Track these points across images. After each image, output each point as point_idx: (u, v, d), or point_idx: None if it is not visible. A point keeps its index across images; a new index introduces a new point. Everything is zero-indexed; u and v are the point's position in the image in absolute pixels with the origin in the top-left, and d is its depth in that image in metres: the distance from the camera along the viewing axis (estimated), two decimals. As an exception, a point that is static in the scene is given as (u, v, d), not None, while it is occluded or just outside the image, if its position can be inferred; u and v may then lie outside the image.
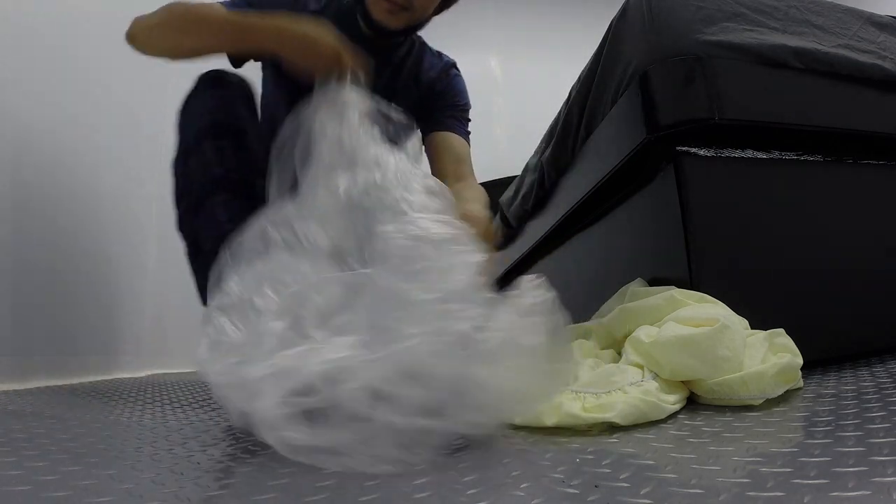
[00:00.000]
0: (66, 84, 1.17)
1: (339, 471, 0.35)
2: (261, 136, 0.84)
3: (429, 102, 1.00)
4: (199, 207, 0.77)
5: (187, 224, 0.79)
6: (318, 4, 0.95)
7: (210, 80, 0.81)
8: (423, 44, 1.03)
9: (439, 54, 1.05)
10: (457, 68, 1.06)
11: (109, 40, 0.97)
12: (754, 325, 0.60)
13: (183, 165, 0.79)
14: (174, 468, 0.37)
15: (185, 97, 0.82)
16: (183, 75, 1.07)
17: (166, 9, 0.78)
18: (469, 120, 1.04)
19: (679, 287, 0.66)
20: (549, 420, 0.46)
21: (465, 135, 1.01)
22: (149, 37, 0.80)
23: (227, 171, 0.76)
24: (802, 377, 0.55)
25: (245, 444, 0.44)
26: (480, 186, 0.93)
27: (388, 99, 0.83)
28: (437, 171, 0.94)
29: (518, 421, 0.49)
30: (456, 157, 0.96)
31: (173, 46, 0.80)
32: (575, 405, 0.47)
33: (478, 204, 0.82)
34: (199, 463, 0.38)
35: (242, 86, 0.84)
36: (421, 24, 0.93)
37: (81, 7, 1.23)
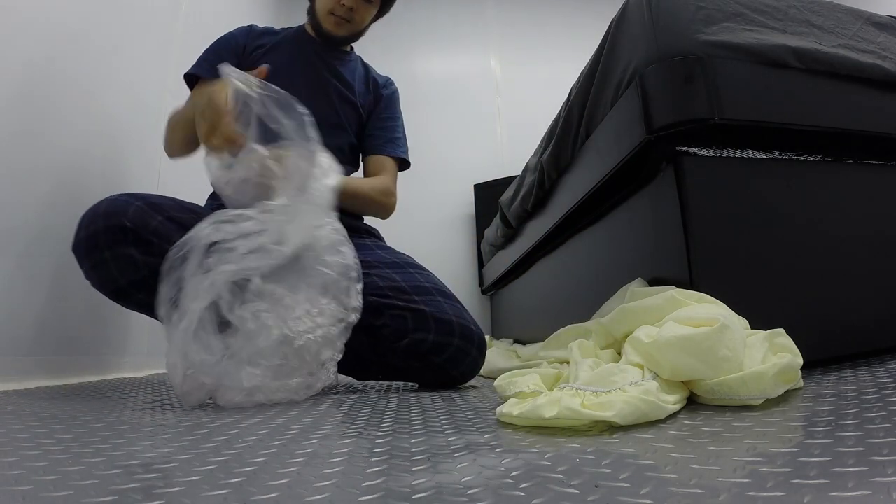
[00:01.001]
0: (77, 81, 1.17)
1: (337, 470, 0.35)
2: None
3: (372, 113, 1.27)
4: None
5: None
6: (273, 38, 1.20)
7: (83, 251, 0.85)
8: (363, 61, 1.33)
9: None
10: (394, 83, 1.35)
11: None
12: (754, 325, 0.60)
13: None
14: (174, 469, 0.37)
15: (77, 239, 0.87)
16: (176, 78, 1.06)
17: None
18: (403, 134, 1.29)
19: (679, 287, 0.66)
20: (548, 412, 0.46)
21: (397, 152, 1.25)
22: (167, 145, 1.10)
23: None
24: (802, 377, 0.55)
25: (245, 444, 0.44)
26: (385, 181, 1.20)
27: (339, 78, 1.21)
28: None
29: (516, 413, 0.49)
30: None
31: (176, 144, 1.08)
32: (574, 401, 0.47)
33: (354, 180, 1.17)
34: (199, 464, 0.38)
35: (115, 239, 0.83)
36: (360, 33, 1.22)
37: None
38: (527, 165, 1.44)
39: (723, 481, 0.29)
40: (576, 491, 0.29)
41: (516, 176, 1.60)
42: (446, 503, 0.28)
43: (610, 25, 0.89)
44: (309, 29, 1.21)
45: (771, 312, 0.70)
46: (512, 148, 2.81)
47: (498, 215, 1.81)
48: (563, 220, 1.16)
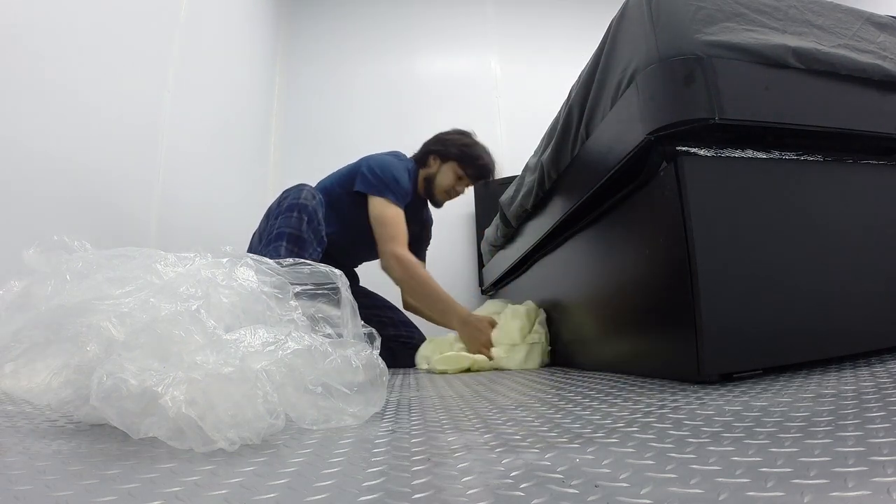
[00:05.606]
0: (60, 83, 1.17)
1: (337, 470, 0.35)
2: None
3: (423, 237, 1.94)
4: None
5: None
6: (408, 197, 1.67)
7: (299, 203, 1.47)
8: None
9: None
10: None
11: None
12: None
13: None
14: (174, 469, 0.37)
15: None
16: (176, 77, 1.05)
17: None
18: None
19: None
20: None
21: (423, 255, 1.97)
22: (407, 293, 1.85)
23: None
24: (803, 377, 0.55)
25: (244, 445, 0.44)
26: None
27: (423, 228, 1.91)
28: None
29: (441, 367, 0.71)
30: None
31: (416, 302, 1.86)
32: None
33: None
34: (199, 464, 0.38)
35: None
36: None
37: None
38: (527, 165, 1.44)
39: (723, 481, 0.29)
40: (576, 491, 0.29)
41: (516, 176, 1.60)
42: (446, 503, 0.28)
43: (610, 25, 0.89)
44: (420, 190, 1.79)
45: (771, 311, 0.70)
46: (512, 148, 2.80)
47: (498, 215, 1.81)
48: (563, 219, 1.16)
